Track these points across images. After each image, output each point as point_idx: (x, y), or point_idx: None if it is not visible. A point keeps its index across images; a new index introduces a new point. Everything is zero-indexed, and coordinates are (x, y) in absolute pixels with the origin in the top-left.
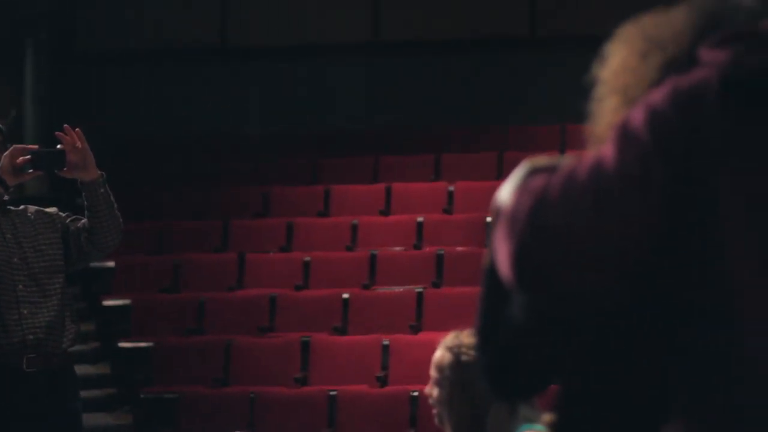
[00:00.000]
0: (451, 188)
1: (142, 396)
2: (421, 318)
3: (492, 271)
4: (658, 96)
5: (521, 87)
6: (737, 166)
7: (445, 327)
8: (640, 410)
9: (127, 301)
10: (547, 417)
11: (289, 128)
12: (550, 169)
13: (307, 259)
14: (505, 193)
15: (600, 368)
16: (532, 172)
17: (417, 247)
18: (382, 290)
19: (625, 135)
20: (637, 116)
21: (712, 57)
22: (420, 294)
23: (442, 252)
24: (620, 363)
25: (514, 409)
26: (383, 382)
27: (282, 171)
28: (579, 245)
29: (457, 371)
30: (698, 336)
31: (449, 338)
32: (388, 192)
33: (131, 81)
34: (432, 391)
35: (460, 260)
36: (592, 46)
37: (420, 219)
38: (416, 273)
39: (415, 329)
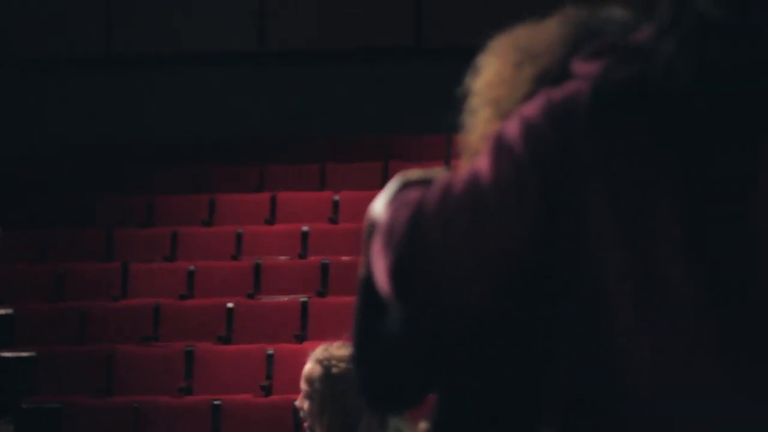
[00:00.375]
0: (337, 198)
1: (24, 406)
2: (305, 327)
3: (368, 283)
4: (532, 108)
5: (407, 97)
6: (606, 178)
7: (329, 336)
8: (514, 421)
9: (9, 311)
10: (422, 426)
11: (175, 138)
12: (424, 182)
13: (192, 268)
14: (380, 205)
15: (476, 379)
16: (406, 185)
17: (302, 256)
18: (267, 299)
19: (499, 147)
20: (512, 128)
21: (584, 69)
22: (305, 303)
23: (327, 261)
24: (496, 374)
25: (385, 420)
26: (268, 391)
27: (167, 180)
28: (456, 258)
29: (327, 384)
30: (571, 346)
31: (319, 351)
32: (273, 201)
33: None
34: (303, 404)
35: (345, 269)
36: (478, 56)
37: (305, 228)
38: (301, 282)
39: (300, 338)
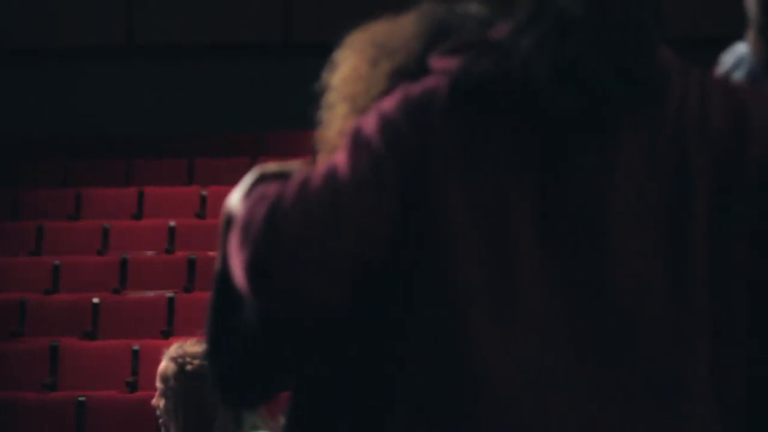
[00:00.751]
0: (204, 193)
1: None
2: (172, 323)
3: (223, 278)
4: (390, 103)
5: (277, 93)
6: (463, 173)
7: (196, 332)
8: (368, 416)
9: None
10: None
11: (41, 132)
12: (281, 176)
13: (57, 263)
14: (236, 198)
15: (331, 374)
16: (263, 178)
17: (169, 251)
18: (134, 295)
19: (357, 142)
20: (369, 123)
21: (442, 65)
22: (171, 299)
23: (195, 257)
24: (351, 369)
25: (240, 416)
26: (133, 387)
27: (33, 174)
28: (312, 253)
29: (181, 381)
30: (427, 345)
31: (173, 348)
32: (141, 196)
33: None
34: (158, 402)
35: (213, 265)
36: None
37: (172, 223)
38: (168, 278)
39: (166, 334)
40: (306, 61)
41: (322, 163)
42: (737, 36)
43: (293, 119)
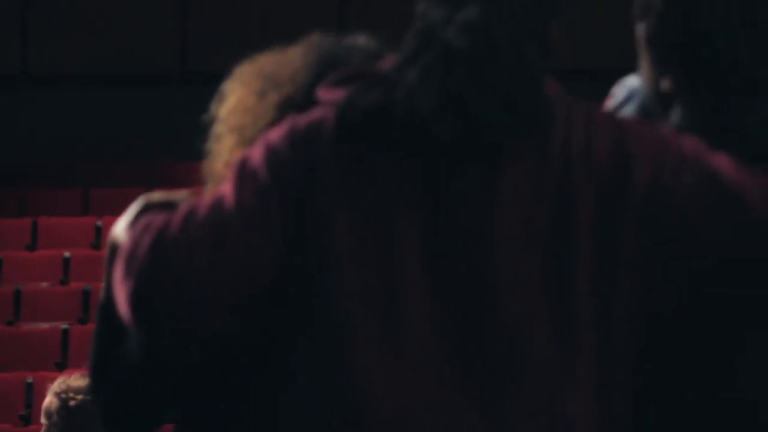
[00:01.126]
0: (99, 223)
1: None
2: (66, 355)
3: (107, 308)
4: (277, 134)
5: (173, 122)
6: (350, 203)
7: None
8: None
9: None
10: None
11: None
12: (167, 205)
13: None
14: (121, 228)
15: (216, 404)
16: (148, 208)
17: (64, 282)
18: (28, 327)
19: (243, 173)
20: (256, 155)
21: (329, 96)
22: (65, 330)
23: (90, 288)
24: (236, 399)
25: None
26: (27, 420)
27: None
28: (198, 283)
29: (64, 416)
30: (312, 372)
31: (57, 383)
32: (35, 226)
33: None
34: None
35: None
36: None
37: (67, 254)
38: (63, 309)
39: (61, 366)
40: (201, 91)
41: (209, 194)
42: (624, 68)
43: (190, 149)
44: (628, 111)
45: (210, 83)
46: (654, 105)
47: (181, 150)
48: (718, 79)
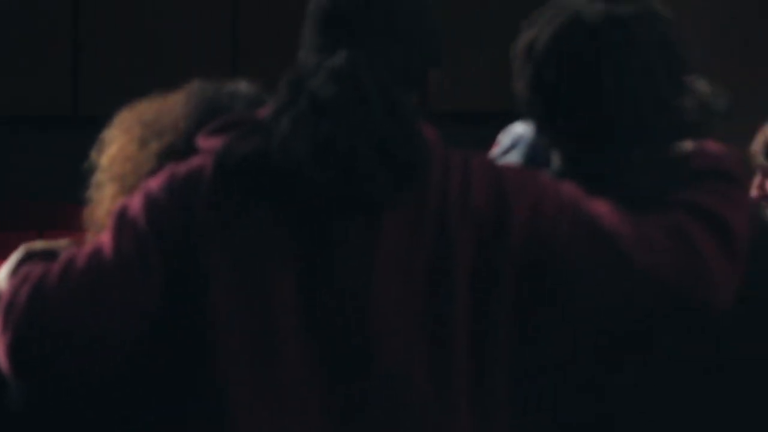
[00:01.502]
0: None
1: None
2: None
3: None
4: (156, 183)
5: (67, 166)
6: (227, 251)
7: None
8: None
9: None
10: None
11: None
12: (48, 254)
13: None
14: (1, 278)
15: None
16: (30, 257)
17: None
18: None
19: (122, 222)
20: (135, 203)
21: (208, 144)
22: None
23: None
24: None
25: None
26: None
27: None
28: (75, 333)
29: None
30: (196, 415)
31: None
32: None
33: None
34: None
35: None
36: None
37: None
38: None
39: None
40: (95, 134)
41: (89, 243)
42: (506, 110)
43: (83, 192)
44: (513, 157)
45: (99, 127)
46: (542, 148)
47: (74, 193)
48: (574, 128)
